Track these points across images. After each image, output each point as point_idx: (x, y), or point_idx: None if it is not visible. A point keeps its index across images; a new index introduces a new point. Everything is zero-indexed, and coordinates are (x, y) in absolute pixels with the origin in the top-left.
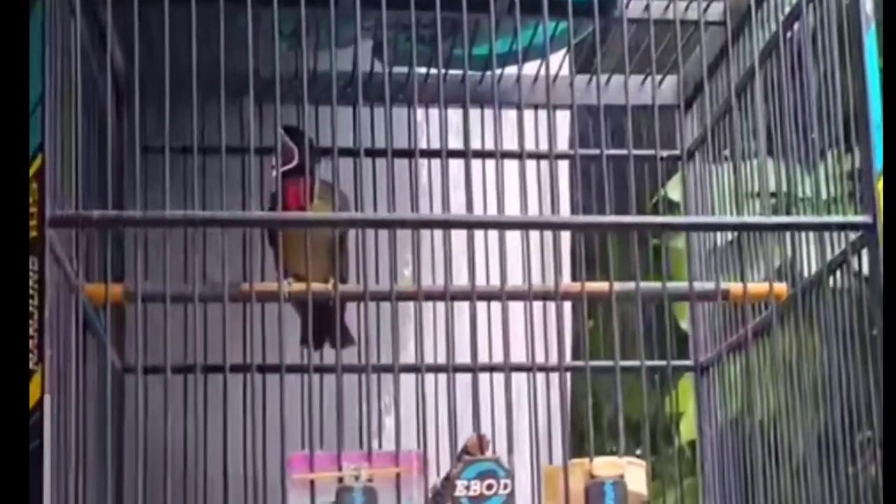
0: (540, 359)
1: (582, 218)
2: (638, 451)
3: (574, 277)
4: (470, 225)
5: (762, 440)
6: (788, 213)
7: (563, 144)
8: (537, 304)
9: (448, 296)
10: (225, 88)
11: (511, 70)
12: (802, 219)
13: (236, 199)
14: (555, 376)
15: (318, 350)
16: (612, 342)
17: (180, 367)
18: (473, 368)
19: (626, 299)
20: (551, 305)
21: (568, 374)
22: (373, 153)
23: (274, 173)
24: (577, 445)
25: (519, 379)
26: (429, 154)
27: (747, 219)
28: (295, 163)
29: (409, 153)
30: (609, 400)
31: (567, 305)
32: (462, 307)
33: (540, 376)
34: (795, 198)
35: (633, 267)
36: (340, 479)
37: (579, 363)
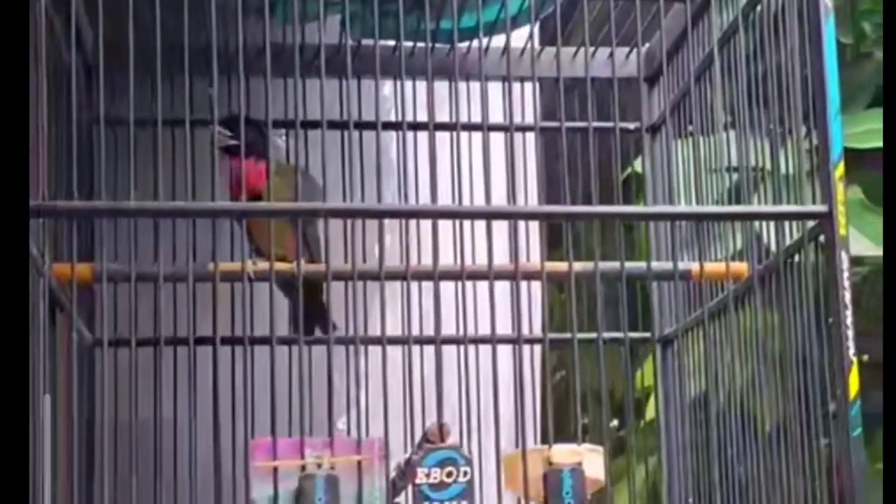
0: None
1: (545, 208)
2: (614, 422)
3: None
4: (433, 215)
5: (719, 415)
6: (755, 189)
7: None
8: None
9: (408, 276)
10: (193, 62)
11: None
12: (760, 208)
13: (205, 173)
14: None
15: (308, 335)
16: (580, 315)
17: (147, 340)
18: (435, 341)
19: (587, 279)
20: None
21: (537, 348)
22: (338, 126)
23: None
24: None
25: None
26: (392, 126)
27: (705, 208)
28: (236, 142)
29: (372, 126)
30: (586, 374)
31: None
32: (429, 287)
33: (508, 352)
34: (762, 172)
35: (595, 248)
36: (303, 467)
37: (538, 336)
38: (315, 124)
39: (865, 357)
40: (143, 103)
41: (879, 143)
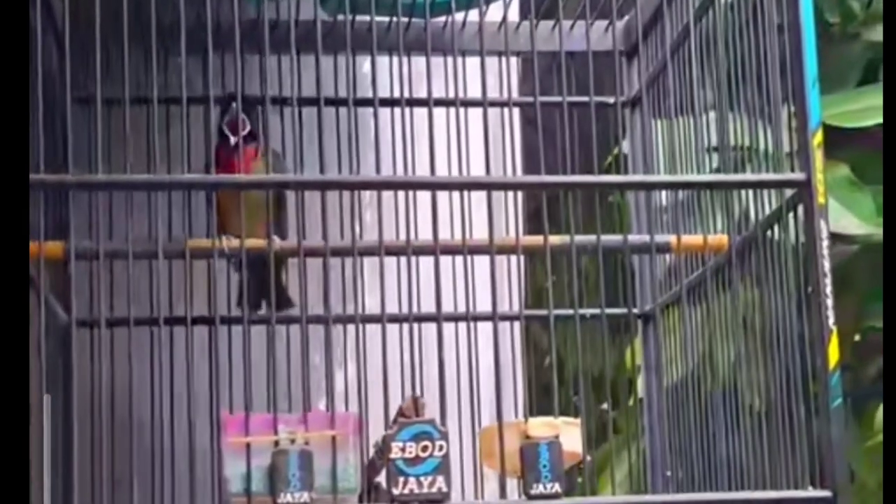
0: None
1: (521, 178)
2: (604, 405)
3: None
4: (407, 186)
5: (698, 390)
6: (739, 169)
7: (515, 93)
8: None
9: (382, 252)
10: (167, 39)
11: (459, 17)
12: (738, 177)
13: (177, 152)
14: (504, 328)
15: (255, 310)
16: (565, 293)
17: (120, 321)
18: (408, 319)
19: (562, 253)
20: (500, 259)
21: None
22: (309, 102)
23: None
24: (541, 398)
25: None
26: (368, 103)
27: (682, 177)
28: (247, 130)
29: (342, 102)
30: (572, 352)
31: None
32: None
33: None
34: (743, 150)
35: (571, 220)
36: (276, 443)
37: (513, 313)
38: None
39: (857, 337)
40: (116, 81)
41: (867, 123)
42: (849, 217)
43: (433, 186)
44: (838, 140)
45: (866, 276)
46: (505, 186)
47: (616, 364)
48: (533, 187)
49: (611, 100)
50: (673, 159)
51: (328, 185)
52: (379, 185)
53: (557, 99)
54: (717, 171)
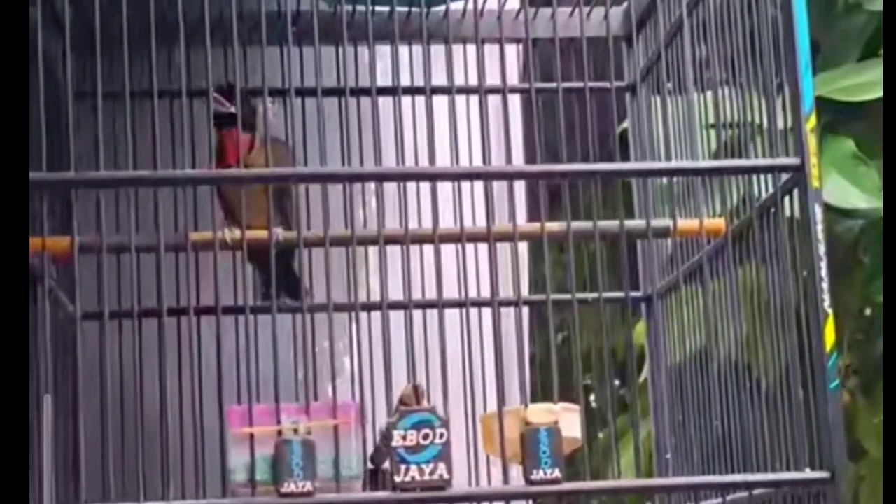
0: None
1: (516, 168)
2: (616, 383)
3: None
4: (403, 177)
5: (695, 373)
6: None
7: (515, 80)
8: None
9: (381, 240)
10: (164, 33)
11: (457, 6)
12: (731, 162)
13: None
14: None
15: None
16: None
17: (126, 312)
18: (407, 305)
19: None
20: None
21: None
22: (310, 93)
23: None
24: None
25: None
26: (358, 93)
27: (675, 164)
28: (230, 109)
29: (339, 91)
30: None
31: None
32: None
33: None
34: (755, 128)
35: (567, 207)
36: (279, 433)
37: (511, 298)
38: (282, 92)
39: (868, 311)
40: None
41: (871, 96)
42: (854, 192)
43: (431, 177)
44: (842, 115)
45: (873, 251)
46: (499, 176)
47: (628, 345)
48: (526, 177)
49: (612, 85)
50: (677, 141)
51: (326, 178)
52: (377, 177)
53: (553, 85)
54: (717, 154)
